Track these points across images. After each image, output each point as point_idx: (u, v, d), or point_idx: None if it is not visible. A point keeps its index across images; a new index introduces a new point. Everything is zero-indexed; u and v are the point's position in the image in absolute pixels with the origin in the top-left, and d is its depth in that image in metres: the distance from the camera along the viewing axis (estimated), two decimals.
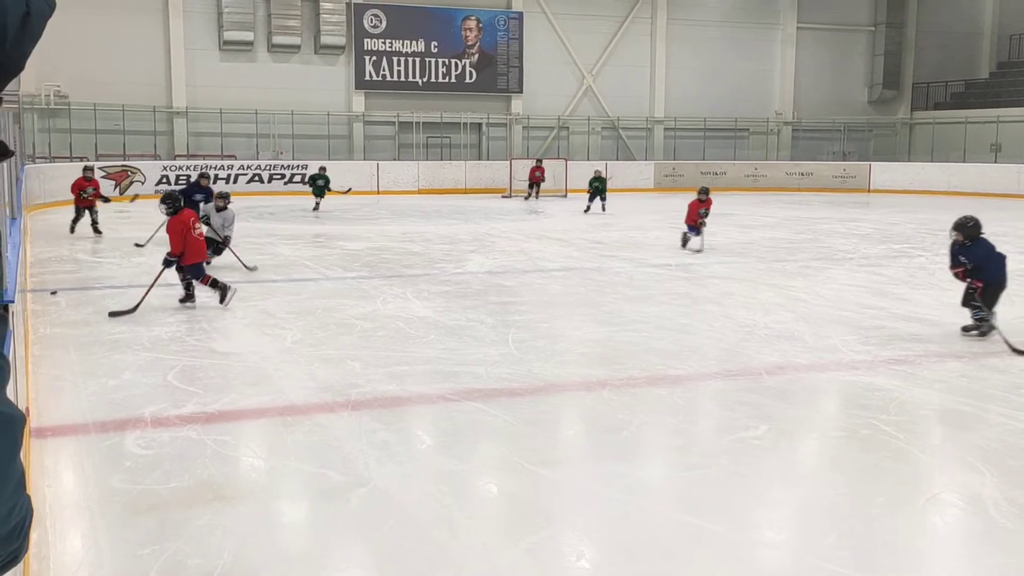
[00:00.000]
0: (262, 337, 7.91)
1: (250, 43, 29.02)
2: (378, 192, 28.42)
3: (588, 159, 31.79)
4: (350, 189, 23.31)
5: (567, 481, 4.70)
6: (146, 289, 8.91)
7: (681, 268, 12.49)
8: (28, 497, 1.01)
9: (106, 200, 15.97)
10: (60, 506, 4.29)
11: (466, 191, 29.35)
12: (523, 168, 27.99)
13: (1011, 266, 8.05)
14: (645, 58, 34.07)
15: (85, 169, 16.37)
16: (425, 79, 31.39)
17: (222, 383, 6.35)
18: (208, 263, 11.36)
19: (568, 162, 29.42)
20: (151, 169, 26.00)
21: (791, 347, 7.67)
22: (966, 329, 7.90)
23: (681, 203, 25.76)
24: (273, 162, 28.07)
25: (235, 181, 27.04)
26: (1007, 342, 7.34)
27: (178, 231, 8.91)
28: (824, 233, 17.47)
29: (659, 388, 6.50)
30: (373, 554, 3.87)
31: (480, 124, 32.28)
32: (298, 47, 29.62)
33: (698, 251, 13.89)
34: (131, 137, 27.26)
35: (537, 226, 18.95)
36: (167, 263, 8.99)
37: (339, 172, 25.41)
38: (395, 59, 30.92)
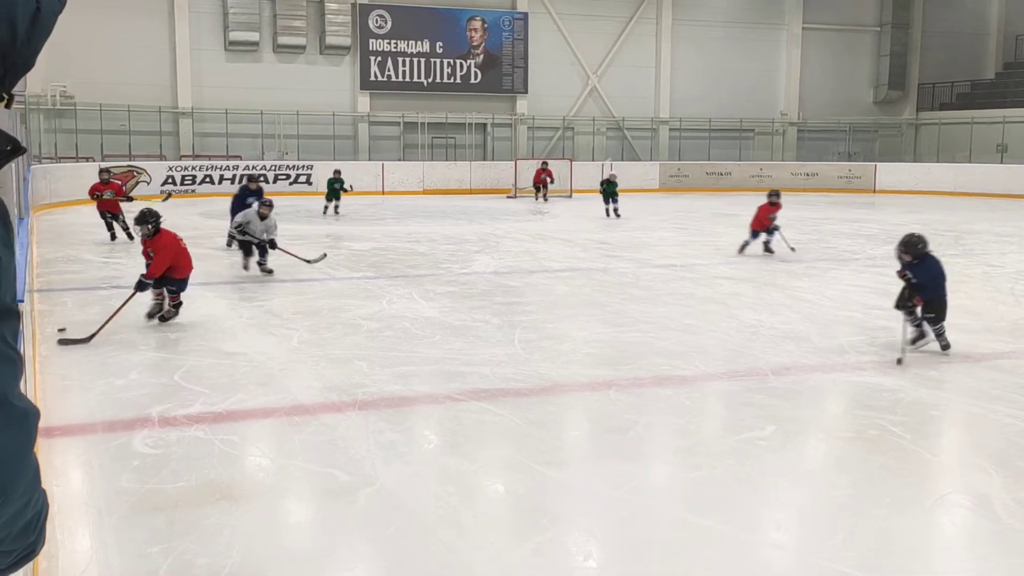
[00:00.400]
0: (268, 337, 7.92)
1: (255, 44, 29.07)
2: (383, 192, 28.43)
3: (593, 159, 31.79)
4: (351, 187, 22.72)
5: (573, 481, 4.70)
6: (107, 317, 7.81)
7: (686, 269, 12.49)
8: (44, 491, 1.01)
9: (129, 199, 14.97)
10: (68, 505, 4.30)
11: (471, 192, 29.36)
12: (528, 168, 27.87)
13: (1020, 267, 8.00)
14: (650, 58, 34.05)
15: (101, 172, 15.32)
16: (430, 79, 31.42)
17: (229, 383, 6.36)
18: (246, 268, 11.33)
19: (573, 162, 29.41)
20: (157, 169, 26.06)
21: (797, 348, 7.66)
22: (914, 342, 7.36)
23: (686, 203, 25.93)
24: (278, 163, 28.11)
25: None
26: (903, 346, 7.16)
27: (170, 250, 8.15)
28: (830, 234, 17.45)
29: (665, 388, 6.49)
30: (380, 553, 3.88)
31: (485, 124, 32.29)
32: (303, 48, 29.66)
33: (770, 253, 13.41)
34: (137, 138, 27.33)
35: (542, 226, 18.96)
36: (142, 287, 8.09)
37: (343, 173, 25.43)
38: (400, 59, 30.95)
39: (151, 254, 8.23)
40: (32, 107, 25.57)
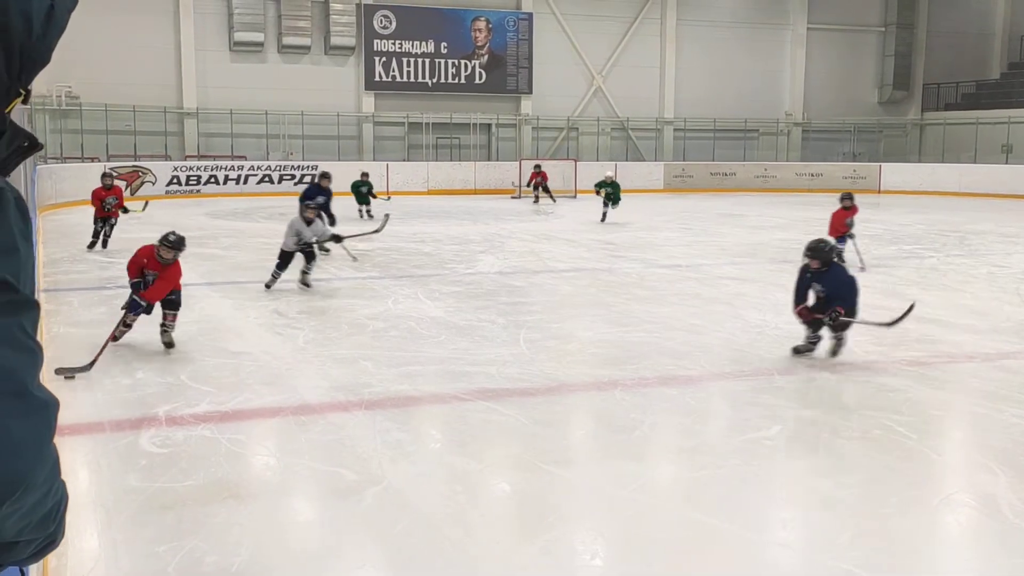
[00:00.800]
0: (275, 337, 7.95)
1: (260, 44, 29.12)
2: (388, 193, 28.43)
3: (597, 160, 31.78)
4: (389, 197, 21.74)
5: (580, 480, 4.72)
6: (104, 343, 6.91)
7: (691, 269, 12.49)
8: (63, 482, 1.02)
9: (126, 210, 13.67)
10: (77, 504, 4.30)
11: (475, 192, 29.37)
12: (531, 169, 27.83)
13: None
14: (655, 59, 34.05)
15: (104, 176, 13.93)
16: (435, 80, 31.44)
17: (235, 382, 6.38)
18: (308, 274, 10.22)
19: (577, 163, 29.41)
20: (162, 170, 26.11)
21: None
22: (835, 353, 7.10)
23: (691, 204, 25.93)
24: (283, 163, 28.14)
25: (245, 182, 27.15)
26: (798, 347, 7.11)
27: (177, 279, 7.31)
28: None
29: (670, 388, 6.50)
30: (387, 552, 3.89)
31: (490, 125, 32.31)
32: (308, 48, 29.70)
33: (841, 263, 12.27)
34: (142, 138, 27.39)
35: (547, 227, 18.96)
36: (135, 307, 7.13)
37: (347, 172, 25.50)
38: (405, 60, 30.98)
39: (151, 276, 7.16)
40: (37, 108, 25.63)
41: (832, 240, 9.64)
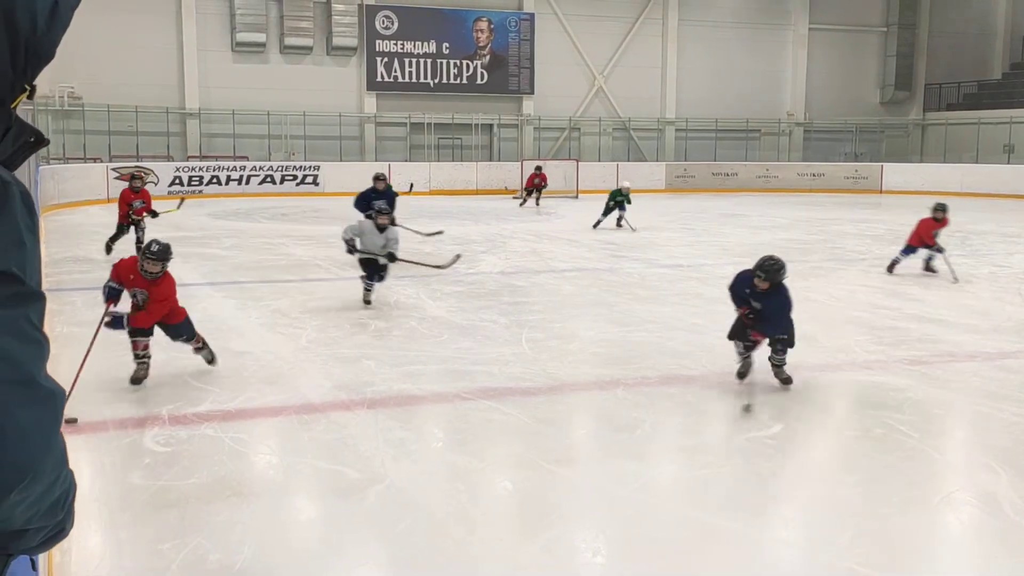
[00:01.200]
0: (277, 336, 7.96)
1: (262, 44, 29.13)
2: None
3: (599, 160, 31.79)
4: (412, 186, 20.93)
5: (581, 479, 4.73)
6: (78, 367, 5.76)
7: (693, 269, 12.50)
8: (71, 471, 1.04)
9: (155, 214, 12.76)
10: (81, 502, 4.30)
11: (477, 192, 29.37)
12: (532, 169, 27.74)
13: None
14: (656, 59, 34.05)
15: (133, 179, 13.09)
16: (436, 80, 31.46)
17: (238, 381, 6.39)
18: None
19: (579, 163, 29.41)
20: (164, 170, 26.11)
21: (804, 347, 7.62)
22: (743, 376, 6.42)
23: (693, 204, 25.93)
24: (285, 163, 28.15)
25: (247, 182, 27.15)
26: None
27: (172, 301, 6.35)
28: (836, 234, 17.44)
29: (672, 387, 6.52)
30: (389, 550, 3.91)
31: (491, 125, 32.32)
32: (310, 48, 29.72)
33: (931, 272, 11.74)
34: (144, 138, 27.41)
35: (549, 227, 18.97)
36: (116, 324, 6.12)
37: (349, 173, 25.60)
38: (407, 60, 30.99)
39: (140, 296, 6.19)
40: (40, 108, 25.66)
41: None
